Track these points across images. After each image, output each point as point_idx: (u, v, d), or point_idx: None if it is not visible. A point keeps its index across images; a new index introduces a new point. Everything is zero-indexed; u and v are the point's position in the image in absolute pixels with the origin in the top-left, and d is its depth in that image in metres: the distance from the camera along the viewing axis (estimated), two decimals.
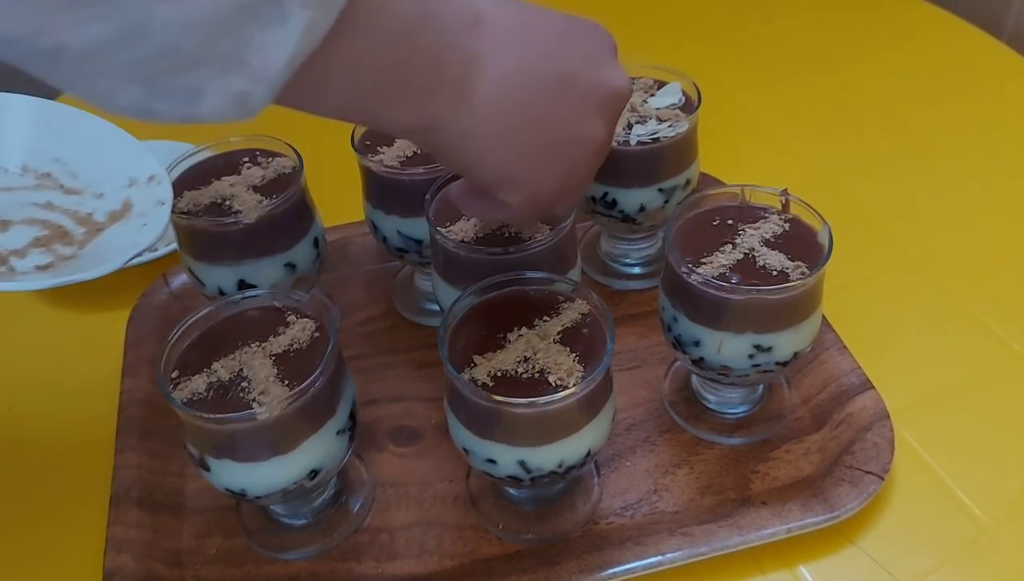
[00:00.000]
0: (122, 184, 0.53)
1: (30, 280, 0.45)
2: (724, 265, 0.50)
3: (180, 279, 0.68)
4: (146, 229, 0.49)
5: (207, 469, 0.47)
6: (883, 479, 0.52)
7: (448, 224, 0.54)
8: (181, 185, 0.58)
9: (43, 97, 0.55)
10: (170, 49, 0.27)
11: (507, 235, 0.53)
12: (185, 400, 0.46)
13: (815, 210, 0.52)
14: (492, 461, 0.47)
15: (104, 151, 0.54)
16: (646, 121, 0.61)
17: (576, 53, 0.41)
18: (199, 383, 0.46)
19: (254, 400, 0.45)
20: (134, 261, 0.47)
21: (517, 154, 0.40)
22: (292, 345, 0.48)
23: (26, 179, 0.53)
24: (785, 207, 0.53)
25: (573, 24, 0.41)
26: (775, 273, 0.49)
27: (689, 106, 0.62)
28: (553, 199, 0.44)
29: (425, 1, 0.35)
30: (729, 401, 0.58)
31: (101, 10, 0.26)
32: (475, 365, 0.46)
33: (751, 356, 0.51)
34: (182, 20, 0.27)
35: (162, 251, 0.72)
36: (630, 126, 0.61)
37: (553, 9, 0.41)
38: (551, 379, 0.45)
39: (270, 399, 0.45)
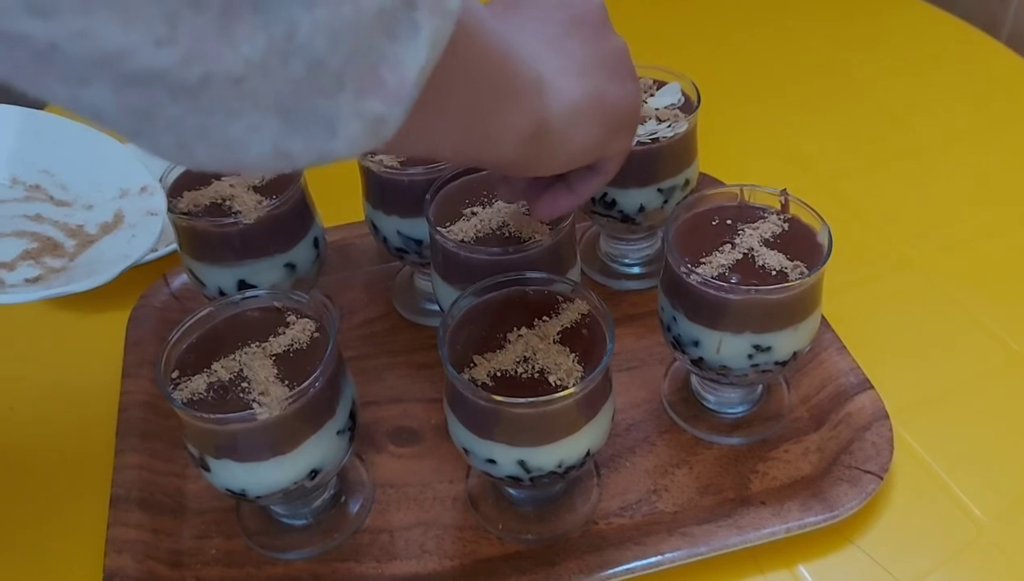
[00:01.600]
0: (113, 195, 0.52)
1: (19, 293, 0.44)
2: (723, 265, 0.50)
3: (180, 279, 0.68)
4: (136, 240, 0.48)
5: (207, 469, 0.48)
6: (882, 479, 0.52)
7: (448, 224, 0.54)
8: (181, 185, 0.58)
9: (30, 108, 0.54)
10: (316, 67, 0.25)
11: (506, 235, 0.53)
12: (185, 400, 0.46)
13: (814, 210, 0.52)
14: (492, 461, 0.47)
15: (94, 161, 0.53)
16: (645, 121, 0.61)
17: (601, 57, 0.43)
18: (199, 383, 0.46)
19: (254, 400, 0.45)
20: (130, 266, 0.46)
21: (597, 109, 0.42)
22: (292, 345, 0.48)
23: (15, 191, 0.53)
24: (784, 207, 0.53)
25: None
26: (774, 273, 0.50)
27: (688, 106, 0.62)
28: (631, 112, 0.45)
29: (491, 10, 0.37)
30: (728, 401, 0.58)
31: (256, 22, 0.23)
32: (475, 365, 0.46)
33: (750, 356, 0.51)
34: (330, 28, 0.24)
35: (162, 251, 0.72)
36: None
37: None
38: (551, 379, 0.45)
39: (270, 399, 0.45)
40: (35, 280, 0.46)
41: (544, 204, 0.48)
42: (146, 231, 0.49)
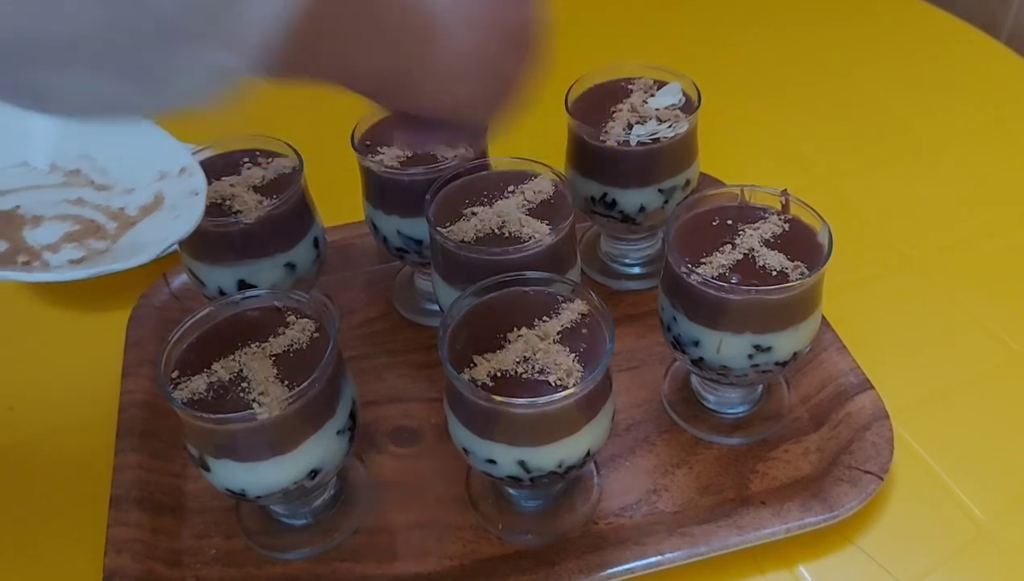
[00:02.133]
0: (152, 177, 0.52)
1: (63, 272, 0.45)
2: (723, 265, 0.50)
3: (180, 279, 0.68)
4: (179, 221, 0.49)
5: (207, 469, 0.48)
6: (882, 479, 0.52)
7: (448, 224, 0.54)
8: None
9: None
10: (160, 21, 0.24)
11: (506, 235, 0.53)
12: (185, 400, 0.46)
13: (815, 210, 0.52)
14: (492, 461, 0.47)
15: (133, 145, 0.53)
16: (646, 121, 0.61)
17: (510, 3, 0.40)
18: (199, 383, 0.46)
19: (254, 400, 0.45)
20: (174, 244, 0.47)
21: (473, 91, 0.39)
22: (292, 345, 0.48)
23: (54, 177, 0.53)
24: (785, 207, 0.53)
25: None
26: (774, 273, 0.50)
27: (689, 106, 0.62)
28: (498, 112, 0.42)
29: None
30: (728, 401, 0.58)
31: None
32: (475, 365, 0.46)
33: (750, 356, 0.51)
34: None
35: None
36: (630, 126, 0.61)
37: None
38: (551, 379, 0.45)
39: (270, 399, 0.45)
40: (79, 261, 0.47)
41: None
42: (189, 211, 0.49)
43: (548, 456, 0.46)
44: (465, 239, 0.53)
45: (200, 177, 0.52)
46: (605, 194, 0.62)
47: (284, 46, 0.27)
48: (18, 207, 0.51)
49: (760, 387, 0.59)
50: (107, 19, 0.23)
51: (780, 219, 0.53)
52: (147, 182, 0.52)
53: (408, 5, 0.35)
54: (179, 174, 0.52)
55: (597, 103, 0.63)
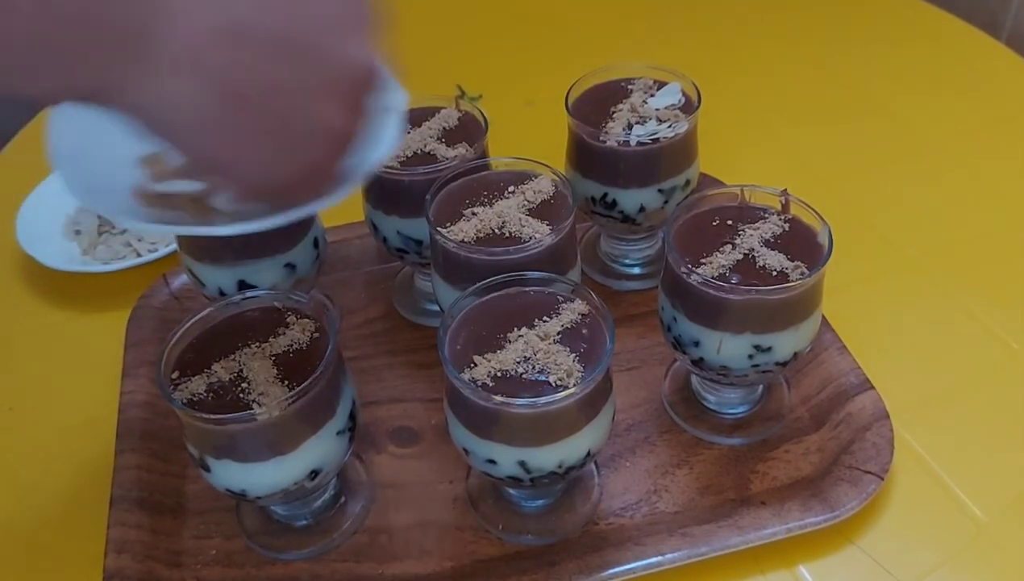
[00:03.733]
0: None
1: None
2: (724, 265, 0.50)
3: (180, 280, 0.68)
4: (379, 144, 0.41)
5: (207, 470, 0.48)
6: (883, 479, 0.52)
7: (448, 224, 0.54)
8: None
9: None
10: None
11: (506, 235, 0.53)
12: (185, 401, 0.46)
13: (815, 210, 0.52)
14: (492, 461, 0.47)
15: None
16: (646, 121, 0.61)
17: (308, 14, 0.32)
18: (199, 384, 0.46)
19: (254, 401, 0.45)
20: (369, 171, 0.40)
21: (221, 135, 0.32)
22: (292, 346, 0.48)
23: None
24: (785, 207, 0.53)
25: None
26: (775, 273, 0.50)
27: (689, 106, 0.62)
28: (278, 192, 0.36)
29: None
30: (728, 401, 0.58)
31: None
32: (475, 365, 0.46)
33: (750, 356, 0.51)
34: None
35: (162, 251, 0.72)
36: (630, 126, 0.61)
37: None
38: (551, 379, 0.45)
39: (270, 400, 0.45)
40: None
41: None
42: (387, 130, 0.42)
43: (548, 456, 0.46)
44: (465, 239, 0.53)
45: (399, 94, 0.43)
46: (605, 194, 0.62)
47: None
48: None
49: (760, 387, 0.59)
50: None
51: (780, 219, 0.53)
52: None
53: (126, 23, 0.28)
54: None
55: (597, 103, 0.63)
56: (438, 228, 0.54)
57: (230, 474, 0.47)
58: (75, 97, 0.29)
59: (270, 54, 0.31)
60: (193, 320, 0.49)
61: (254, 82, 0.31)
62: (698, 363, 0.53)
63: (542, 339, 0.47)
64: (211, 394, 0.46)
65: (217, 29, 0.29)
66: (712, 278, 0.49)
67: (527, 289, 0.50)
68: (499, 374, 0.45)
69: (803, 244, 0.51)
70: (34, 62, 0.27)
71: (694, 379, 0.59)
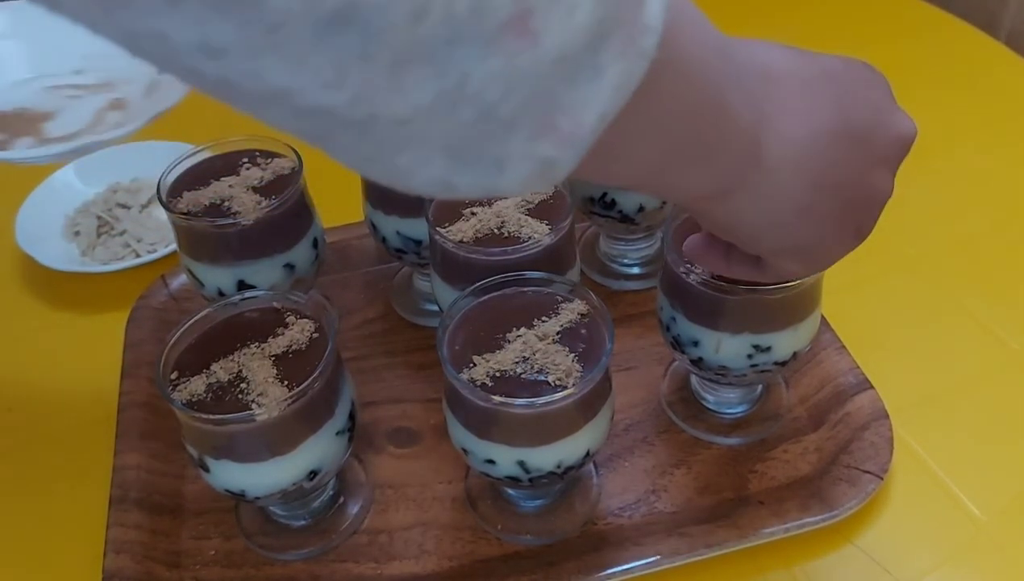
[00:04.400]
0: (147, 67, 0.56)
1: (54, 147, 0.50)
2: None
3: (179, 280, 0.68)
4: (167, 96, 0.53)
5: (206, 470, 0.48)
6: (881, 479, 0.52)
7: (447, 224, 0.54)
8: (180, 186, 0.58)
9: None
10: (486, 114, 0.24)
11: (506, 235, 0.53)
12: (184, 401, 0.46)
13: None
14: (491, 461, 0.47)
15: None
16: None
17: (862, 104, 0.37)
18: (198, 384, 0.46)
19: (253, 401, 0.45)
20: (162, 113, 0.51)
21: (810, 220, 0.37)
22: (291, 346, 0.48)
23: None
24: None
25: (850, 68, 0.38)
26: None
27: None
28: (831, 259, 0.41)
29: (724, 50, 0.31)
30: (727, 401, 0.58)
31: (426, 72, 0.23)
32: (474, 365, 0.46)
33: (749, 356, 0.51)
34: (505, 78, 0.23)
35: (161, 252, 0.72)
36: None
37: (822, 53, 0.38)
38: (550, 379, 0.45)
39: (269, 400, 0.45)
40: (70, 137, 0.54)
41: (693, 245, 0.44)
42: (177, 86, 0.54)
43: (547, 456, 0.46)
44: (464, 239, 0.53)
45: None
46: (604, 194, 0.62)
47: (597, 145, 0.27)
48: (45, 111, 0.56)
49: (759, 387, 0.59)
50: (433, 101, 0.23)
51: None
52: (143, 72, 0.57)
53: (739, 129, 0.33)
54: None
55: None
56: (437, 228, 0.54)
57: (229, 474, 0.47)
58: (702, 195, 0.35)
59: (846, 147, 0.36)
60: (192, 320, 0.49)
61: (834, 172, 0.36)
62: (697, 363, 0.53)
63: (541, 339, 0.47)
64: (210, 394, 0.46)
65: (809, 134, 0.35)
66: (711, 278, 0.49)
67: (526, 289, 0.50)
68: (498, 374, 0.45)
69: None
70: (692, 166, 0.33)
71: (693, 379, 0.59)
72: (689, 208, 0.38)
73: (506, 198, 0.55)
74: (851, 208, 0.38)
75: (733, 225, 0.38)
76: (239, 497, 0.48)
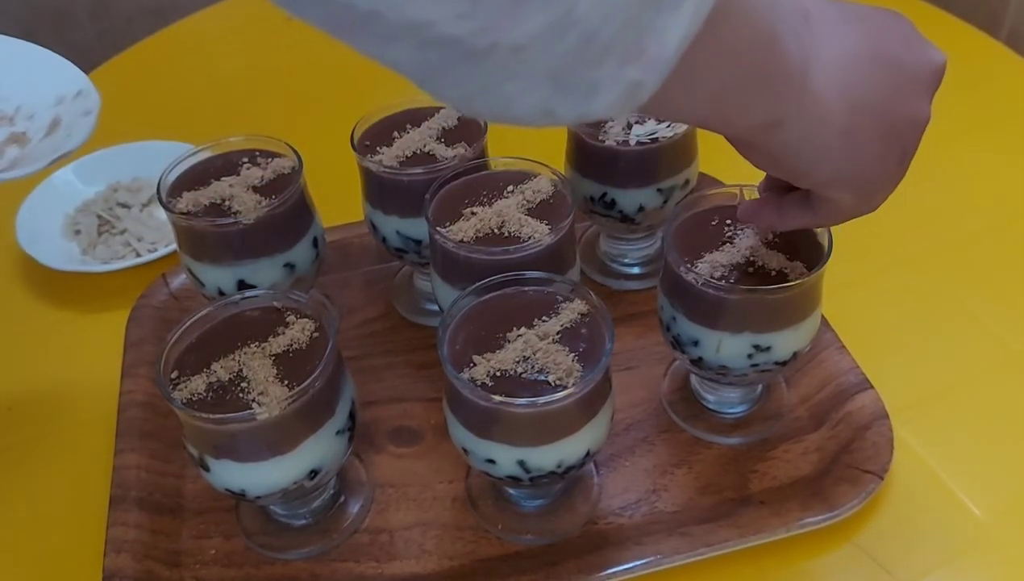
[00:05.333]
0: (50, 103, 0.54)
1: None
2: (723, 265, 0.50)
3: (179, 279, 0.68)
4: (70, 138, 0.50)
5: (207, 469, 0.48)
6: (882, 478, 0.52)
7: (447, 224, 0.54)
8: (180, 185, 0.58)
9: None
10: (588, 40, 0.27)
11: (506, 235, 0.53)
12: (184, 400, 0.46)
13: None
14: (491, 461, 0.47)
15: (30, 71, 0.55)
16: (645, 121, 0.61)
17: (893, 35, 0.41)
18: (198, 383, 0.46)
19: (253, 400, 0.45)
20: (59, 157, 0.49)
21: (858, 144, 0.40)
22: (291, 345, 0.48)
23: None
24: None
25: (878, 10, 0.41)
26: (774, 273, 0.50)
27: None
28: (879, 191, 0.43)
29: None
30: (728, 401, 0.58)
31: (541, 2, 0.25)
32: (474, 365, 0.46)
33: (750, 356, 0.51)
34: (604, 5, 0.26)
35: (162, 251, 0.72)
36: (629, 126, 0.61)
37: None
38: (550, 379, 0.45)
39: (269, 399, 0.45)
40: None
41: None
42: (80, 128, 0.51)
43: (548, 456, 0.46)
44: (464, 239, 0.53)
45: (95, 97, 0.53)
46: (604, 194, 0.62)
47: (672, 73, 0.29)
48: None
49: (760, 387, 0.59)
50: (546, 29, 0.26)
51: None
52: (46, 107, 0.54)
53: (789, 61, 0.36)
54: (75, 97, 0.53)
55: None
56: (437, 228, 0.54)
57: (229, 474, 0.47)
58: (758, 125, 0.38)
59: (882, 71, 0.39)
60: (192, 320, 0.49)
61: (873, 94, 0.39)
62: (697, 363, 0.53)
63: (541, 339, 0.47)
64: (211, 394, 0.46)
65: (847, 61, 0.38)
66: (711, 277, 0.49)
67: (526, 289, 0.50)
68: (498, 374, 0.45)
69: (802, 243, 0.51)
70: (751, 97, 0.36)
71: (693, 379, 0.59)
72: (745, 140, 0.41)
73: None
74: (893, 132, 0.40)
75: (786, 155, 0.40)
76: (239, 496, 0.48)
